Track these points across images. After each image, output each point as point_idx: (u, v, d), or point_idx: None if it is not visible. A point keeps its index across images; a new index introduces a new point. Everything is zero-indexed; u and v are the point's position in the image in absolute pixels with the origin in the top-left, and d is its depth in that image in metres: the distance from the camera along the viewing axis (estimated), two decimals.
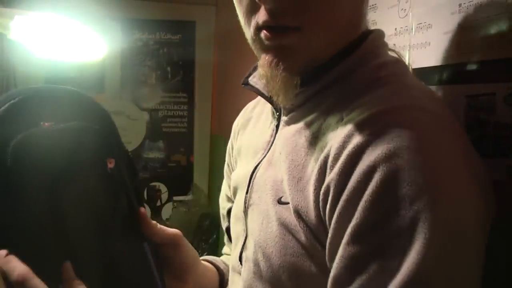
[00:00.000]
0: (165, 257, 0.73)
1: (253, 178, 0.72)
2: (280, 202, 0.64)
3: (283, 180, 0.65)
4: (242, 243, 0.74)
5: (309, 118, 0.65)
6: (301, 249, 0.60)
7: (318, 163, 0.59)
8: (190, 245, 0.78)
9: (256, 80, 0.73)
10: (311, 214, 0.59)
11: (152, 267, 0.64)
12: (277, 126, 0.72)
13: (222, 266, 0.93)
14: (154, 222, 0.72)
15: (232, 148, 0.92)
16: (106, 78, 2.89)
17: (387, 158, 0.51)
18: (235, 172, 0.84)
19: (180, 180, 2.98)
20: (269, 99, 0.71)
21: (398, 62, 0.69)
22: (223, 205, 0.98)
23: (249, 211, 0.71)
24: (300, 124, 0.67)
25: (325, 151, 0.59)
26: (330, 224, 0.56)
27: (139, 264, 0.64)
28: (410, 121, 0.54)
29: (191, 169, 3.00)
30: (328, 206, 0.56)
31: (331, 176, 0.56)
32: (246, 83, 0.74)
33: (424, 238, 0.48)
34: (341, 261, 0.53)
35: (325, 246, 0.57)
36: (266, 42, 0.62)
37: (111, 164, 0.61)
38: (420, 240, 0.48)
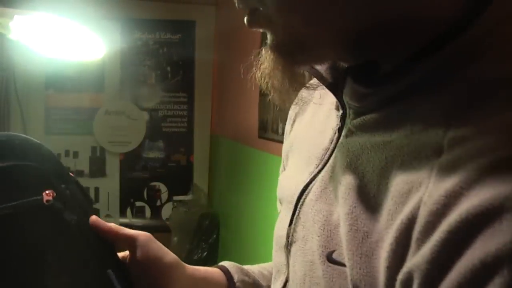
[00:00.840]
0: (135, 264, 0.63)
1: (300, 203, 0.51)
2: (330, 259, 0.44)
3: (340, 224, 0.43)
4: (282, 284, 0.55)
5: (389, 133, 0.42)
6: None
7: (397, 224, 0.37)
8: (160, 245, 0.65)
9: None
10: None
11: None
12: (340, 130, 0.49)
13: (239, 278, 0.71)
14: (111, 224, 0.63)
15: (287, 139, 0.68)
16: (106, 78, 2.89)
17: None
18: (283, 176, 0.63)
19: (180, 180, 2.98)
20: (332, 87, 0.49)
21: None
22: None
23: (292, 251, 0.52)
24: (373, 138, 0.43)
25: (410, 206, 0.36)
26: None
27: None
28: None
29: (191, 169, 3.00)
30: None
31: (416, 260, 0.34)
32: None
33: None
34: None
35: None
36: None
37: (48, 196, 0.57)
38: None
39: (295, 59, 0.45)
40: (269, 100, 0.52)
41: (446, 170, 0.34)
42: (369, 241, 0.39)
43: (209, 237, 2.73)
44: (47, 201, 0.57)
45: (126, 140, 2.90)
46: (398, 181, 0.38)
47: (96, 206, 2.80)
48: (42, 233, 0.57)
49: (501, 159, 0.32)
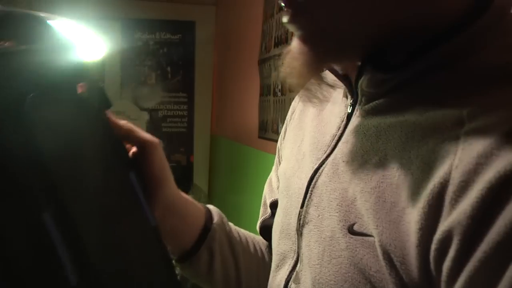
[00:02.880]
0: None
1: (311, 186, 0.53)
2: (352, 231, 0.46)
3: (356, 198, 0.46)
4: (289, 268, 0.56)
5: (402, 114, 0.46)
6: None
7: (427, 189, 0.40)
8: (163, 156, 0.67)
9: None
10: (411, 262, 0.40)
11: (140, 199, 0.59)
12: (349, 117, 0.52)
13: (216, 214, 0.74)
14: (124, 122, 0.63)
15: (285, 132, 0.71)
16: (106, 78, 2.89)
17: None
18: (284, 166, 0.65)
19: (180, 180, 2.97)
20: (342, 77, 0.53)
21: None
22: (269, 195, 0.74)
23: (305, 231, 0.53)
24: (388, 120, 0.47)
25: (440, 172, 0.39)
26: (447, 287, 0.38)
27: (127, 196, 0.59)
28: None
29: (191, 169, 3.00)
30: (448, 263, 0.38)
31: (455, 217, 0.37)
32: None
33: None
34: None
35: None
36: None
37: (81, 88, 0.58)
38: None
39: (328, 53, 0.49)
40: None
41: (473, 137, 0.38)
42: (396, 209, 0.42)
43: None
44: (81, 92, 0.57)
45: None
46: (422, 153, 0.42)
47: None
48: (78, 125, 0.57)
49: None
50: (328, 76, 0.54)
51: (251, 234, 0.79)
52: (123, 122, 0.63)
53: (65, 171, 0.52)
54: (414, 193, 0.41)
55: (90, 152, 0.57)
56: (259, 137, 2.08)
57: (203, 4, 2.91)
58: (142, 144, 0.63)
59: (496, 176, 0.35)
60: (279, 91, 1.83)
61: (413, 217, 0.40)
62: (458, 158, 0.38)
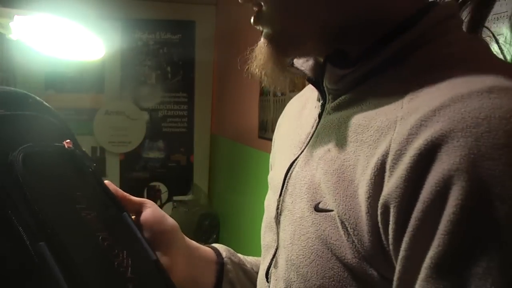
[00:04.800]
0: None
1: (287, 178, 0.59)
2: (317, 209, 0.52)
3: (321, 181, 0.52)
4: (271, 256, 0.62)
5: (359, 105, 0.52)
6: (345, 271, 0.48)
7: (373, 162, 0.46)
8: (161, 211, 0.70)
9: (301, 62, 0.61)
10: (362, 228, 0.46)
11: (138, 235, 0.63)
12: (320, 116, 0.59)
13: (227, 255, 0.78)
14: (120, 190, 0.67)
15: (273, 145, 0.78)
16: (106, 78, 2.89)
17: (475, 159, 0.38)
18: (271, 170, 0.72)
19: (180, 180, 2.98)
20: (315, 83, 0.59)
21: (477, 39, 0.54)
22: None
23: (282, 219, 0.59)
24: (348, 112, 0.53)
25: (382, 146, 0.45)
26: (395, 249, 0.43)
27: (125, 233, 0.63)
28: (505, 110, 0.40)
29: (191, 169, 3.00)
30: (392, 225, 0.43)
31: (392, 181, 0.43)
32: (291, 64, 0.61)
33: None
34: None
35: (378, 270, 0.46)
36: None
37: (68, 144, 0.62)
38: None
39: (285, 50, 0.56)
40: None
41: (408, 114, 0.45)
42: (352, 185, 0.49)
43: (209, 237, 2.74)
44: (68, 147, 0.62)
45: (126, 140, 2.91)
46: (370, 133, 0.49)
47: None
48: (68, 174, 0.61)
49: (451, 98, 0.42)
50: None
51: (257, 258, 0.83)
52: (116, 188, 0.68)
53: (58, 211, 0.55)
54: (364, 169, 0.47)
55: (82, 196, 0.60)
56: (259, 137, 2.08)
57: (203, 4, 2.92)
58: (141, 203, 0.69)
59: (424, 143, 0.41)
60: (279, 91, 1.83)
61: (363, 189, 0.47)
62: (396, 132, 0.45)
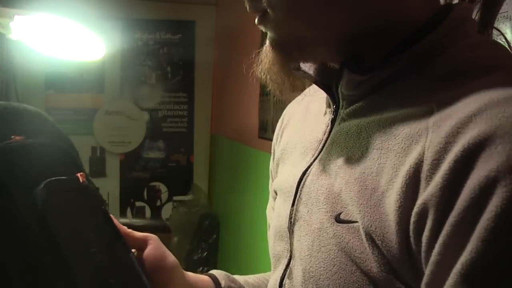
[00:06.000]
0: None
1: (301, 186, 0.58)
2: (339, 220, 0.51)
3: (342, 190, 0.51)
4: (284, 266, 0.60)
5: (380, 112, 0.51)
6: (370, 284, 0.48)
7: (404, 170, 0.45)
8: (164, 246, 0.71)
9: (309, 65, 0.60)
10: (391, 239, 0.45)
11: (142, 278, 0.63)
12: (333, 121, 0.58)
13: (225, 283, 0.77)
14: (123, 227, 0.68)
15: (274, 152, 0.77)
16: (106, 78, 2.89)
17: None
18: (278, 177, 0.70)
19: (180, 180, 2.98)
20: (324, 87, 0.58)
21: (495, 41, 0.54)
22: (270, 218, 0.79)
23: (296, 228, 0.58)
24: (368, 119, 0.52)
25: (414, 154, 0.44)
26: (426, 256, 0.42)
27: (130, 275, 0.63)
28: None
29: (191, 169, 3.00)
30: (426, 233, 0.42)
31: (429, 191, 0.42)
32: (298, 69, 0.60)
33: None
34: None
35: (404, 281, 0.45)
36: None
37: (82, 178, 0.61)
38: None
39: (292, 55, 0.54)
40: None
41: (441, 121, 0.43)
42: (376, 194, 0.47)
43: (209, 237, 2.74)
44: (83, 181, 0.60)
45: (126, 140, 2.91)
46: (398, 141, 0.47)
47: None
48: (82, 211, 0.60)
49: (487, 103, 0.41)
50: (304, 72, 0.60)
51: (260, 276, 0.84)
52: (119, 224, 0.68)
53: (77, 257, 0.55)
54: (392, 177, 0.46)
55: (94, 237, 0.60)
56: (259, 137, 2.08)
57: (203, 4, 2.92)
58: (145, 239, 0.69)
59: (461, 150, 0.40)
60: None
61: (392, 198, 0.45)
62: (429, 140, 0.44)
